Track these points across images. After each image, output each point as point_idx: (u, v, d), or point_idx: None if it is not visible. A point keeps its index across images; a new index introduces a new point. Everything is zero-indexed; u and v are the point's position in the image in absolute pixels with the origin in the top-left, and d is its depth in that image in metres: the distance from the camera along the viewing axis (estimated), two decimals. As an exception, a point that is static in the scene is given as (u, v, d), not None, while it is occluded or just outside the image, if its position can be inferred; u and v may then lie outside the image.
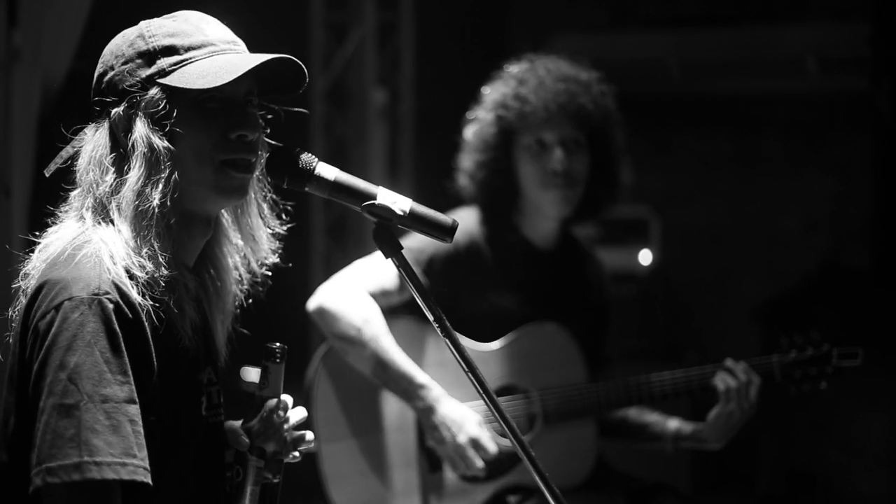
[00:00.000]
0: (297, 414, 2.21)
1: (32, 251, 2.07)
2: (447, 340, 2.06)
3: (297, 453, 2.21)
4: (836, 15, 6.42)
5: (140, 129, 2.02)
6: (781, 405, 5.31)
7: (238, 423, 2.19)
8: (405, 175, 6.74)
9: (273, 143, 2.16)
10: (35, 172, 3.75)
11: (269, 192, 2.21)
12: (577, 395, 3.37)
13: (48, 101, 3.85)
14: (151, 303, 1.97)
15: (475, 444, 3.19)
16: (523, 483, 3.31)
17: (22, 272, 2.05)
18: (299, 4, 6.40)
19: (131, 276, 1.97)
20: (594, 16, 7.00)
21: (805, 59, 6.38)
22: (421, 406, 3.21)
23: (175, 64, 2.04)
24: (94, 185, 2.05)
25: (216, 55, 2.06)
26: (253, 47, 2.14)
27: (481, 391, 2.05)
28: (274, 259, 2.26)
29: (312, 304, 3.28)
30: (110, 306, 1.91)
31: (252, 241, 2.22)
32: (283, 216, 2.25)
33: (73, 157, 2.11)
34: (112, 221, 2.02)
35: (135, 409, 1.90)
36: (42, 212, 2.13)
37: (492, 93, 3.47)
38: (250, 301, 2.31)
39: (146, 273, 1.98)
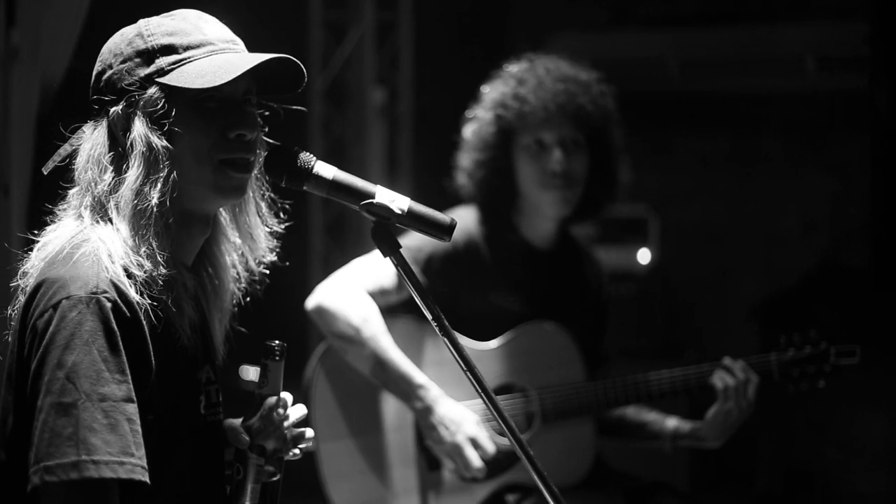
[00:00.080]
0: (296, 411, 2.22)
1: (31, 250, 2.07)
2: (445, 339, 2.06)
3: (297, 450, 2.22)
4: (835, 14, 6.41)
5: (138, 128, 2.02)
6: (780, 404, 5.32)
7: (238, 421, 2.19)
8: (404, 174, 6.74)
9: (272, 142, 2.16)
10: (33, 171, 3.75)
11: (267, 190, 2.21)
12: (576, 393, 3.37)
13: (47, 99, 3.84)
14: (150, 301, 1.97)
15: (473, 444, 3.19)
16: (522, 482, 3.32)
17: (20, 271, 2.05)
18: (298, 4, 6.39)
19: (129, 275, 1.97)
20: (593, 15, 7.00)
21: (804, 58, 6.38)
22: (419, 406, 3.21)
23: (174, 63, 2.04)
24: (93, 184, 2.05)
25: (215, 54, 2.06)
26: (252, 46, 2.14)
27: (480, 390, 2.05)
28: (272, 258, 2.26)
29: (311, 302, 3.28)
30: (108, 305, 1.91)
31: (250, 240, 2.22)
32: (282, 215, 2.25)
33: (72, 156, 2.11)
34: (110, 220, 2.02)
35: (133, 408, 1.90)
36: (41, 210, 2.13)
37: (491, 92, 3.47)
38: (248, 300, 2.31)
39: (144, 272, 1.98)
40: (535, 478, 2.06)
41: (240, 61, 2.04)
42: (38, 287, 1.95)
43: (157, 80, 2.03)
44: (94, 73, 2.11)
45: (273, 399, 2.14)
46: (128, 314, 1.93)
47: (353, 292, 3.25)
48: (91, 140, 2.08)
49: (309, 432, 2.23)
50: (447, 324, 2.07)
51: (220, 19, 2.14)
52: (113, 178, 2.04)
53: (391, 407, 3.31)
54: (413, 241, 3.22)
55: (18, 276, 2.05)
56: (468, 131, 3.49)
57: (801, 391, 3.32)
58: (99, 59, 2.11)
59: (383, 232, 2.09)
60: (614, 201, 3.53)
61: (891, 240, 5.57)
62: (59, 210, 2.10)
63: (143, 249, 1.99)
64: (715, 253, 6.98)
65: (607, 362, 3.59)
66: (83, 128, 2.12)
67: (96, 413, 1.86)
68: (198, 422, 2.12)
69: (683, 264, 6.78)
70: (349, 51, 6.53)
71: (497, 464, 3.29)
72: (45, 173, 2.14)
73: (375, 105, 6.60)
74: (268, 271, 2.28)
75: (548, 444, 3.32)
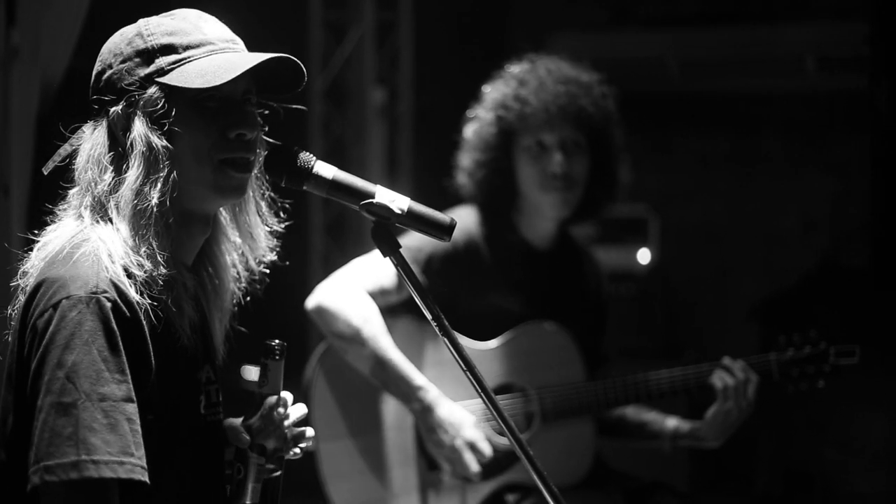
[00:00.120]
0: (297, 410, 2.22)
1: (31, 249, 2.06)
2: (445, 339, 2.06)
3: (297, 449, 2.22)
4: (835, 14, 6.41)
5: (138, 127, 2.02)
6: (779, 404, 5.32)
7: (238, 420, 2.19)
8: (404, 174, 6.74)
9: (272, 141, 2.16)
10: (34, 171, 3.75)
11: (267, 190, 2.21)
12: (575, 393, 3.37)
13: (47, 99, 3.84)
14: (150, 301, 1.97)
15: (472, 446, 3.19)
16: (521, 481, 3.32)
17: (20, 270, 2.05)
18: (298, 3, 6.39)
19: (129, 275, 1.97)
20: (593, 15, 7.00)
21: (804, 58, 6.38)
22: (418, 408, 3.21)
23: (173, 63, 2.04)
24: (93, 184, 2.05)
25: (215, 54, 2.06)
26: (252, 46, 2.14)
27: (479, 390, 2.05)
28: (272, 257, 2.26)
29: (311, 302, 3.28)
30: (108, 305, 1.91)
31: (250, 239, 2.22)
32: (282, 214, 2.25)
33: (72, 156, 2.11)
34: (111, 220, 2.02)
35: (132, 408, 1.90)
36: (41, 210, 2.13)
37: (492, 92, 3.47)
38: (248, 299, 2.31)
39: (144, 272, 1.98)
40: (535, 478, 2.06)
41: (240, 61, 2.04)
42: (38, 287, 1.95)
43: (157, 79, 2.03)
44: (94, 72, 2.11)
45: (273, 398, 2.14)
46: (128, 314, 1.93)
47: (353, 292, 3.25)
48: (91, 140, 2.08)
49: (309, 431, 2.23)
50: (447, 324, 2.07)
51: (220, 19, 2.14)
52: (113, 178, 2.04)
53: (391, 407, 3.31)
54: (413, 241, 3.22)
55: (18, 276, 2.05)
56: (469, 131, 3.49)
57: (801, 391, 3.32)
58: (99, 58, 2.11)
59: (383, 232, 2.09)
60: (614, 202, 3.53)
61: (891, 240, 5.57)
62: (59, 210, 2.10)
63: (143, 249, 1.99)
64: (715, 253, 6.98)
65: (607, 362, 3.59)
66: (83, 128, 2.11)
67: (96, 413, 1.86)
68: (198, 421, 2.12)
69: (683, 264, 6.78)
70: (349, 51, 6.53)
71: (497, 464, 3.28)
72: (45, 173, 2.14)
73: (375, 105, 6.59)
74: (268, 271, 2.28)
75: (547, 443, 3.32)
